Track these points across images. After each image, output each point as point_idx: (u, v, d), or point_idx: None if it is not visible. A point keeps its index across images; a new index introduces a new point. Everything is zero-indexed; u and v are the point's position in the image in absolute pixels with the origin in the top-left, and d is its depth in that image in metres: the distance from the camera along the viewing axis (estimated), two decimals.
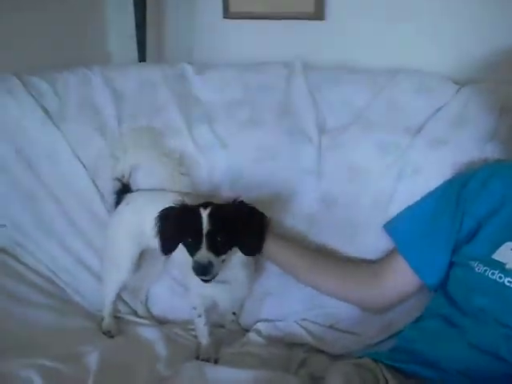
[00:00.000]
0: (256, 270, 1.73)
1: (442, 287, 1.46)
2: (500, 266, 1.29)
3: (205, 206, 1.47)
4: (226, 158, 1.81)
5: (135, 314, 1.85)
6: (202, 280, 1.46)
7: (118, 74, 1.97)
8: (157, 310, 1.86)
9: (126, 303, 1.86)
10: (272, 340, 1.71)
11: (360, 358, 1.42)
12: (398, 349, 1.45)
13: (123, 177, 1.78)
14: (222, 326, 1.80)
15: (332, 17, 2.07)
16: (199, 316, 1.66)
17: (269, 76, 1.92)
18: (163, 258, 1.71)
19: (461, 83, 1.79)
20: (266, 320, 1.77)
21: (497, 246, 1.32)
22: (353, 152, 1.75)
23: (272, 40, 2.12)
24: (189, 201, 1.56)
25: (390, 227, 1.64)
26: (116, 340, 1.68)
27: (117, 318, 1.80)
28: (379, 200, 1.70)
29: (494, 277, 1.28)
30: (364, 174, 1.73)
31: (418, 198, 1.62)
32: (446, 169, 1.63)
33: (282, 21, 2.11)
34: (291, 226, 1.77)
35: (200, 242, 1.43)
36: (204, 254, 1.42)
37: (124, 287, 1.79)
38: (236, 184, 1.79)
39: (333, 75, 1.90)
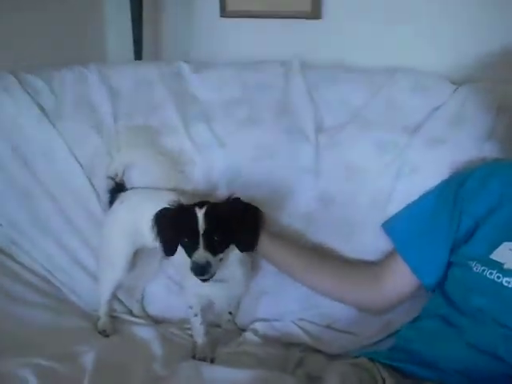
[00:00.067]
0: (252, 269, 1.72)
1: (439, 287, 1.46)
2: (498, 266, 1.28)
3: (200, 205, 1.46)
4: (224, 156, 1.81)
5: (131, 313, 1.84)
6: (201, 280, 1.46)
7: (114, 71, 1.96)
8: (152, 309, 1.85)
9: (121, 302, 1.85)
10: (269, 340, 1.71)
11: (357, 357, 1.41)
12: (396, 348, 1.45)
13: (116, 175, 1.77)
14: (219, 326, 1.79)
15: (329, 16, 2.07)
16: (195, 315, 1.65)
17: (266, 75, 1.92)
18: (160, 257, 1.71)
19: (458, 83, 1.79)
20: (263, 319, 1.77)
21: (495, 245, 1.32)
22: (350, 151, 1.75)
23: (269, 39, 2.12)
24: (184, 200, 1.56)
25: (388, 227, 1.64)
26: (112, 339, 1.67)
27: (112, 317, 1.78)
28: (377, 199, 1.70)
29: (492, 277, 1.28)
30: (362, 173, 1.73)
31: (416, 197, 1.62)
32: (443, 168, 1.63)
33: (279, 20, 2.11)
34: (289, 224, 1.77)
35: (197, 242, 1.42)
36: (202, 254, 1.41)
37: (119, 286, 1.78)
38: (234, 183, 1.78)
39: (330, 74, 1.89)
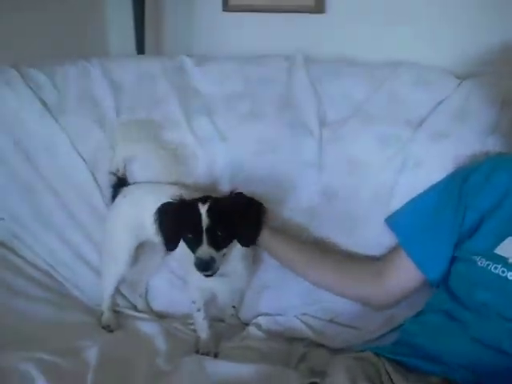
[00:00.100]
0: (254, 263, 1.72)
1: (443, 282, 1.46)
2: (503, 261, 1.28)
3: (203, 200, 1.45)
4: (226, 150, 1.80)
5: (134, 308, 1.84)
6: (205, 275, 1.45)
7: (116, 66, 1.95)
8: (156, 304, 1.86)
9: (125, 297, 1.85)
10: (272, 334, 1.71)
11: (361, 351, 1.41)
12: (400, 342, 1.44)
13: (118, 170, 1.77)
14: (222, 320, 1.80)
15: (332, 10, 2.06)
16: (198, 310, 1.65)
17: (269, 69, 1.91)
18: (163, 251, 1.70)
19: (461, 77, 1.79)
20: (266, 314, 1.77)
21: (499, 240, 1.32)
22: (353, 145, 1.74)
23: (271, 33, 2.11)
24: (187, 194, 1.55)
25: (392, 221, 1.63)
26: (115, 334, 1.67)
27: (116, 312, 1.78)
28: (380, 193, 1.70)
29: (497, 271, 1.27)
30: (364, 167, 1.72)
31: (420, 191, 1.62)
32: (447, 162, 1.62)
33: (282, 14, 2.11)
34: (291, 218, 1.77)
35: (200, 238, 1.42)
36: (205, 249, 1.41)
37: (123, 280, 1.78)
38: (236, 177, 1.78)
39: (333, 68, 1.89)
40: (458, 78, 1.79)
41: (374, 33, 1.97)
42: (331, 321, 1.73)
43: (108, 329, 1.70)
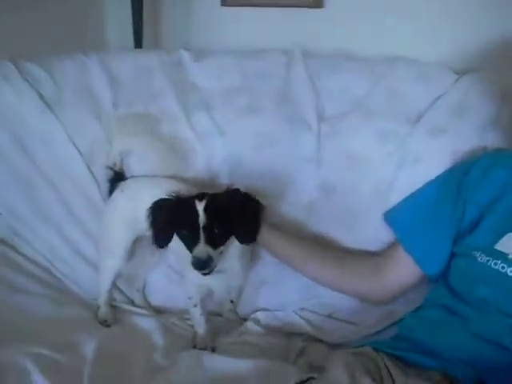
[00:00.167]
0: (252, 259, 1.72)
1: (443, 277, 1.45)
2: (503, 257, 1.28)
3: (199, 197, 1.43)
4: (224, 145, 1.79)
5: (132, 303, 1.83)
6: (202, 274, 1.44)
7: (114, 60, 1.94)
8: (154, 299, 1.85)
9: (122, 292, 1.85)
10: (270, 329, 1.70)
11: (360, 346, 1.41)
12: (399, 337, 1.44)
13: (115, 165, 1.76)
14: (220, 315, 1.79)
15: (331, 5, 2.06)
16: (195, 306, 1.65)
17: (268, 63, 1.91)
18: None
19: (459, 73, 1.78)
20: (264, 309, 1.76)
21: (499, 236, 1.31)
22: (352, 140, 1.74)
23: (270, 28, 2.10)
24: (184, 188, 1.55)
25: (390, 217, 1.63)
26: (112, 329, 1.66)
27: (113, 307, 1.78)
28: (379, 189, 1.69)
29: (497, 267, 1.27)
30: (363, 163, 1.72)
31: (418, 186, 1.61)
32: (446, 157, 1.62)
33: (280, 9, 2.10)
34: (289, 214, 1.76)
35: (197, 236, 1.40)
36: (202, 248, 1.39)
37: (119, 275, 1.78)
38: (234, 172, 1.77)
39: (331, 63, 1.88)
40: (456, 73, 1.78)
41: (373, 28, 1.96)
42: (330, 316, 1.72)
43: (105, 324, 1.69)
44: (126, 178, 1.77)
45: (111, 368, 1.43)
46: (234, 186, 1.52)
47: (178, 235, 1.46)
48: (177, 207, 1.45)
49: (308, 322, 1.71)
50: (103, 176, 1.80)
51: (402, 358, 1.32)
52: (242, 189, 1.53)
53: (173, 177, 1.74)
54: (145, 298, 1.84)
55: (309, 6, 2.05)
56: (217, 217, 1.41)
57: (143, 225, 1.53)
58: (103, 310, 1.73)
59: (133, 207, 1.64)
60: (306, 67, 1.85)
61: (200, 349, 1.60)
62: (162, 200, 1.47)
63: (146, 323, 1.68)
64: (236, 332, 1.68)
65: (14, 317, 1.60)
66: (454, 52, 1.88)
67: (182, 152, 1.78)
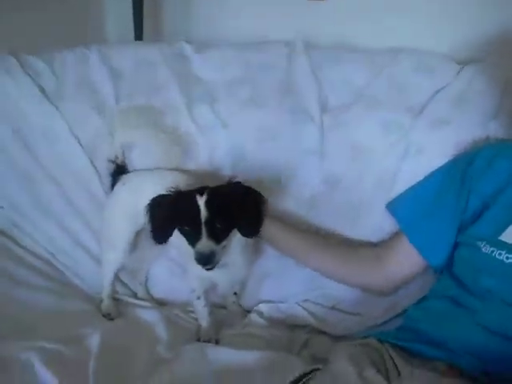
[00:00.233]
0: (255, 252, 1.71)
1: (447, 268, 1.46)
2: (507, 247, 1.28)
3: (200, 191, 1.41)
4: (227, 137, 1.79)
5: (135, 296, 1.83)
6: (205, 269, 1.43)
7: (115, 52, 1.93)
8: (156, 292, 1.85)
9: (125, 285, 1.85)
10: (274, 321, 1.70)
11: (365, 337, 1.41)
12: (404, 328, 1.45)
13: (117, 158, 1.75)
14: (224, 307, 1.79)
15: None
16: (198, 298, 1.64)
17: (270, 55, 1.90)
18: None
19: (462, 63, 1.78)
20: (268, 301, 1.76)
21: (504, 226, 1.32)
22: (355, 131, 1.74)
23: (272, 19, 2.08)
24: (187, 179, 1.56)
25: (393, 207, 1.64)
26: (116, 322, 1.66)
27: (116, 300, 1.78)
28: (383, 179, 1.69)
29: (501, 257, 1.27)
30: (367, 154, 1.72)
31: (421, 178, 1.61)
32: (448, 148, 1.62)
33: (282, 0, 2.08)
34: (293, 206, 1.76)
35: (199, 231, 1.38)
36: (205, 243, 1.38)
37: (122, 268, 1.77)
38: (237, 165, 1.77)
39: (334, 54, 1.88)
40: (458, 63, 1.78)
41: (375, 19, 1.95)
42: (333, 308, 1.73)
43: (108, 317, 1.69)
44: (128, 172, 1.77)
45: (115, 361, 1.42)
46: (236, 179, 1.51)
47: (180, 231, 1.44)
48: (177, 203, 1.43)
49: (311, 313, 1.71)
50: (105, 168, 1.79)
51: (407, 348, 1.33)
52: (244, 182, 1.51)
53: (175, 169, 1.73)
54: (148, 291, 1.84)
55: None
56: (218, 211, 1.40)
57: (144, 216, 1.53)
58: (106, 303, 1.73)
59: (135, 200, 1.62)
60: (309, 59, 1.84)
61: (204, 341, 1.60)
62: (160, 196, 1.46)
63: (150, 316, 1.68)
64: (239, 324, 1.68)
65: (16, 310, 1.59)
66: (456, 42, 1.87)
67: (184, 145, 1.77)
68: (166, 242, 1.47)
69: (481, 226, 1.37)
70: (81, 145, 1.82)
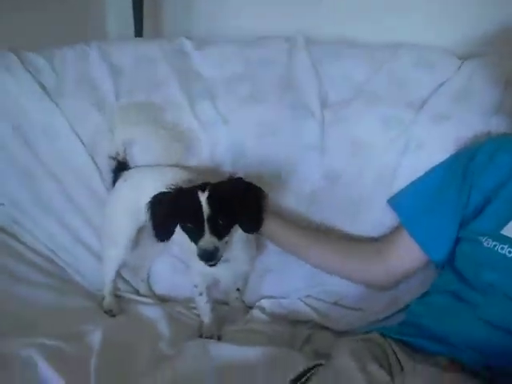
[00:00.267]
0: (257, 247, 1.71)
1: (449, 263, 1.45)
2: (509, 241, 1.28)
3: (202, 188, 1.41)
4: (228, 133, 1.78)
5: (137, 292, 1.83)
6: (208, 265, 1.43)
7: (115, 49, 1.93)
8: (158, 288, 1.85)
9: (126, 282, 1.85)
10: (276, 317, 1.70)
11: (368, 332, 1.41)
12: (406, 323, 1.45)
13: (118, 154, 1.75)
14: (226, 303, 1.79)
15: None
16: (200, 294, 1.64)
17: (270, 50, 1.89)
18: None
19: (462, 58, 1.77)
20: (270, 297, 1.76)
21: (506, 221, 1.32)
22: (355, 126, 1.73)
23: (272, 15, 2.07)
24: (186, 176, 1.56)
25: (395, 202, 1.63)
26: (118, 319, 1.66)
27: (118, 296, 1.78)
28: (383, 175, 1.69)
29: (504, 251, 1.27)
30: (367, 149, 1.71)
31: (422, 173, 1.61)
32: (449, 144, 1.62)
33: None
34: (293, 203, 1.76)
35: (202, 228, 1.38)
36: (208, 239, 1.38)
37: (124, 264, 1.77)
38: (238, 160, 1.77)
39: (334, 50, 1.87)
40: (459, 58, 1.77)
41: (375, 14, 1.94)
42: (335, 303, 1.73)
43: (110, 313, 1.69)
44: (130, 168, 1.76)
45: (117, 357, 1.42)
46: (237, 175, 1.51)
47: (182, 228, 1.44)
48: (178, 200, 1.43)
49: (313, 309, 1.71)
50: (105, 165, 1.79)
51: (410, 343, 1.32)
52: (245, 177, 1.51)
53: (176, 166, 1.73)
54: (150, 288, 1.84)
55: None
56: (220, 207, 1.39)
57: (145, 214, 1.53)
58: (108, 300, 1.73)
59: (136, 197, 1.62)
60: (309, 54, 1.83)
61: (206, 337, 1.60)
62: (161, 194, 1.45)
63: (152, 312, 1.68)
64: (242, 320, 1.68)
65: (16, 307, 1.59)
66: (456, 36, 1.86)
67: (186, 141, 1.77)
68: (168, 240, 1.46)
69: (482, 221, 1.37)
70: (81, 141, 1.81)
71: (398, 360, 1.26)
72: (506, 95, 1.65)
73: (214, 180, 1.47)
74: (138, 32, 2.20)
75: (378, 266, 1.59)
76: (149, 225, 1.47)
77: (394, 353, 1.29)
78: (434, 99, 1.71)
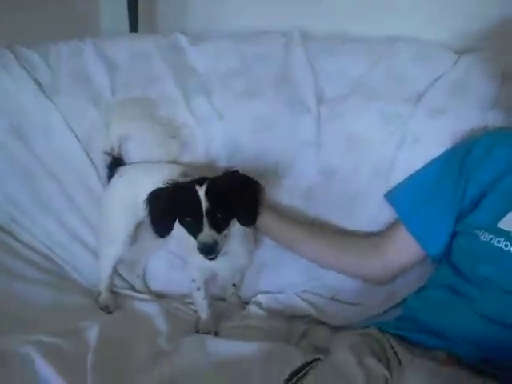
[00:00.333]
0: (254, 241, 1.71)
1: (446, 257, 1.46)
2: (505, 234, 1.28)
3: (199, 182, 1.42)
4: (223, 129, 1.78)
5: (133, 288, 1.83)
6: (208, 259, 1.44)
7: (111, 44, 1.92)
8: (154, 284, 1.85)
9: (122, 278, 1.84)
10: (272, 312, 1.70)
11: (365, 327, 1.41)
12: (403, 318, 1.45)
13: (113, 150, 1.75)
14: (223, 299, 1.79)
15: None
16: (198, 289, 1.64)
17: (266, 46, 1.88)
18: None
19: (459, 52, 1.77)
20: (266, 292, 1.76)
21: (502, 214, 1.32)
22: (352, 122, 1.73)
23: (268, 10, 2.05)
24: (182, 172, 1.56)
25: (392, 196, 1.64)
26: (114, 315, 1.66)
27: (114, 293, 1.77)
28: (380, 169, 1.69)
29: (500, 245, 1.28)
30: (364, 144, 1.71)
31: (419, 167, 1.62)
32: (445, 138, 1.62)
33: None
34: (289, 198, 1.76)
35: (201, 222, 1.39)
36: (207, 233, 1.39)
37: (120, 261, 1.77)
38: (233, 156, 1.76)
39: (330, 45, 1.87)
40: (456, 53, 1.77)
41: (371, 8, 1.93)
42: (332, 298, 1.73)
43: (106, 310, 1.69)
44: (125, 164, 1.76)
45: (114, 354, 1.42)
46: (233, 169, 1.52)
47: (181, 222, 1.45)
48: (176, 194, 1.44)
49: (310, 304, 1.71)
50: (101, 161, 1.78)
51: (407, 338, 1.33)
52: (241, 172, 1.51)
53: (171, 161, 1.73)
54: (145, 284, 1.84)
55: None
56: (219, 201, 1.40)
57: (143, 211, 1.52)
58: (104, 296, 1.73)
59: (132, 193, 1.62)
60: (305, 49, 1.83)
61: (203, 333, 1.60)
62: (158, 189, 1.46)
63: (148, 308, 1.67)
64: (238, 316, 1.68)
65: (14, 304, 1.59)
66: (453, 31, 1.86)
67: (180, 136, 1.77)
68: (168, 235, 1.47)
69: (479, 215, 1.37)
70: (77, 138, 1.81)
71: (396, 354, 1.27)
72: (503, 89, 1.64)
73: (209, 175, 1.47)
74: (133, 27, 2.19)
75: (374, 261, 1.59)
76: (147, 221, 1.48)
77: (392, 347, 1.29)
78: (430, 93, 1.71)
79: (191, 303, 1.71)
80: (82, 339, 1.43)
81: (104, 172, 1.78)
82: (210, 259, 1.43)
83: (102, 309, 1.69)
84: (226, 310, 1.74)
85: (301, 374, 1.25)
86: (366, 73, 1.79)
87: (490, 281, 1.28)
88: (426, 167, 1.60)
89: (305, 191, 1.76)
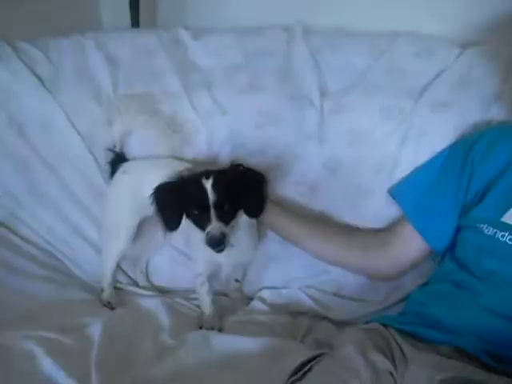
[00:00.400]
0: (259, 235, 1.71)
1: (450, 252, 1.46)
2: (509, 228, 1.28)
3: (206, 175, 1.43)
4: (226, 124, 1.78)
5: (135, 284, 1.83)
6: (216, 251, 1.44)
7: (111, 39, 1.92)
8: (157, 280, 1.85)
9: (125, 274, 1.84)
10: (276, 308, 1.70)
11: (369, 323, 1.40)
12: (407, 313, 1.44)
13: (115, 146, 1.75)
14: (226, 295, 1.79)
15: None
16: (202, 284, 1.64)
17: (268, 40, 1.88)
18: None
19: (462, 46, 1.76)
20: (270, 287, 1.76)
21: (506, 208, 1.32)
22: (355, 116, 1.73)
23: (270, 4, 2.05)
24: (185, 167, 1.56)
25: (395, 191, 1.63)
26: (118, 311, 1.66)
27: (117, 289, 1.77)
28: (383, 164, 1.69)
29: (504, 239, 1.28)
30: (367, 138, 1.70)
31: (422, 161, 1.62)
32: (449, 132, 1.62)
33: None
34: (293, 193, 1.75)
35: (208, 214, 1.40)
36: (215, 226, 1.40)
37: (123, 257, 1.76)
38: (237, 150, 1.76)
39: (333, 39, 1.86)
40: (459, 46, 1.76)
41: (374, 2, 1.92)
42: (336, 294, 1.72)
43: (109, 306, 1.69)
44: (127, 160, 1.75)
45: (117, 349, 1.42)
46: (238, 162, 1.53)
47: (188, 215, 1.46)
48: (183, 188, 1.45)
49: (314, 299, 1.71)
50: (103, 157, 1.78)
51: (412, 332, 1.32)
52: (245, 165, 1.52)
53: (174, 157, 1.73)
54: (148, 279, 1.84)
55: None
56: (225, 193, 1.41)
57: (147, 207, 1.51)
58: (107, 292, 1.73)
59: (136, 189, 1.63)
60: (308, 44, 1.82)
61: (206, 329, 1.59)
62: (164, 184, 1.47)
63: (152, 304, 1.67)
64: (242, 311, 1.69)
65: (15, 300, 1.59)
66: (456, 25, 1.85)
67: (183, 132, 1.76)
68: (177, 229, 1.48)
69: (483, 209, 1.36)
70: (79, 133, 1.80)
71: (401, 349, 1.26)
72: (506, 83, 1.64)
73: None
74: (135, 22, 2.18)
75: (381, 257, 1.59)
76: (155, 215, 1.49)
77: (396, 342, 1.28)
78: (433, 87, 1.71)
79: (194, 299, 1.71)
80: (86, 335, 1.44)
81: (106, 168, 1.77)
82: (218, 251, 1.44)
83: (104, 305, 1.69)
84: (229, 305, 1.74)
85: (305, 368, 1.25)
86: (369, 67, 1.78)
87: (495, 274, 1.28)
88: (429, 162, 1.59)
89: (309, 185, 1.75)
